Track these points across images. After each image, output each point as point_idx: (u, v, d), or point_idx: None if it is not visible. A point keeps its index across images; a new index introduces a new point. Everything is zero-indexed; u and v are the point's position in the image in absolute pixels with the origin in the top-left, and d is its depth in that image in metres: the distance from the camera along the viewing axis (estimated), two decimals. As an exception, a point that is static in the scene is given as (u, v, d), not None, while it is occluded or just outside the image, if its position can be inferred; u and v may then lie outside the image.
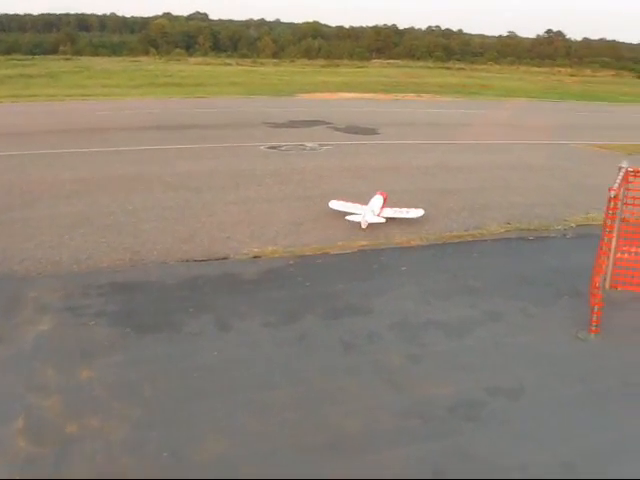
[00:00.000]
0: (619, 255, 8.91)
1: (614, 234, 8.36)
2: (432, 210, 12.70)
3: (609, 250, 8.43)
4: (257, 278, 9.18)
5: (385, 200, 12.57)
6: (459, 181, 15.35)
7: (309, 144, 20.17)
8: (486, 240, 11.12)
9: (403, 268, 9.67)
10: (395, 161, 17.76)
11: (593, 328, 7.79)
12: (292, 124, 25.01)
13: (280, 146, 19.70)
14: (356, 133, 23.19)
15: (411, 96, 42.55)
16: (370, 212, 12.03)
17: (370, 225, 11.49)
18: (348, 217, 11.94)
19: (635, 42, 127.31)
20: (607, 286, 8.95)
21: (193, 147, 19.20)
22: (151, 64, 75.20)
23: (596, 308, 7.79)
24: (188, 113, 28.28)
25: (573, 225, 12.18)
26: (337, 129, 24.05)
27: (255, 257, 10.00)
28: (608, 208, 7.85)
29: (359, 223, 11.66)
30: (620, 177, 8.49)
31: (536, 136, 24.22)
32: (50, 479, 5.12)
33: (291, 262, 9.79)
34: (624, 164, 8.85)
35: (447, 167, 17.10)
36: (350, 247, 10.44)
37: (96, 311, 7.95)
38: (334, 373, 6.65)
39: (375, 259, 10.00)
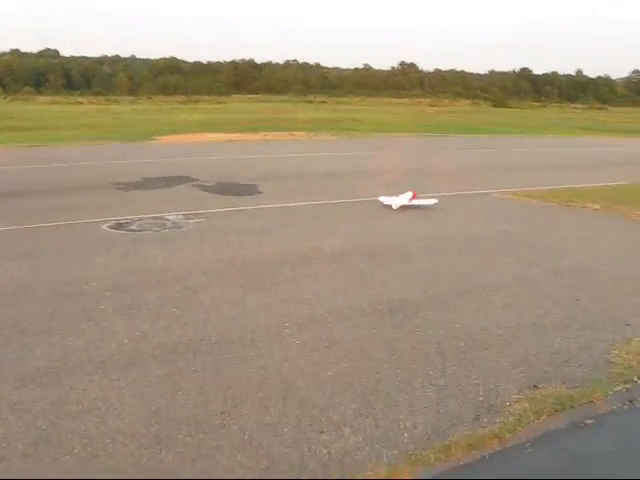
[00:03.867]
0: None
1: None
2: (389, 359, 7.07)
3: None
4: None
5: (414, 196, 16.01)
6: (401, 282, 9.82)
7: (171, 216, 14.12)
8: (526, 445, 5.55)
9: None
10: (294, 243, 12.03)
11: None
12: (148, 183, 18.64)
13: (130, 223, 13.54)
14: (231, 193, 17.27)
15: (283, 135, 37.13)
16: (404, 198, 15.82)
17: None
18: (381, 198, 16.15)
19: (482, 72, 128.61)
20: None
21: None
22: (-8, 104, 66.24)
23: None
24: (12, 171, 21.36)
25: (635, 378, 6.86)
26: (206, 188, 17.98)
27: None
28: None
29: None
30: None
31: (449, 185, 19.30)
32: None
33: None
34: None
35: (370, 250, 11.62)
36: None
37: None
38: None
39: None
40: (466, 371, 6.84)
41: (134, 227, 13.22)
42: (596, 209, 16.45)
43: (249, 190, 17.77)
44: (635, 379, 6.83)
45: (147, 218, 13.99)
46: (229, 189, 17.83)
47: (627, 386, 6.69)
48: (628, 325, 8.29)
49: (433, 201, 16.01)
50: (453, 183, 19.68)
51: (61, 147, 29.29)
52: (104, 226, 13.18)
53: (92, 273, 9.97)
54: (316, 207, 15.63)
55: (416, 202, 15.85)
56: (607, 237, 13.48)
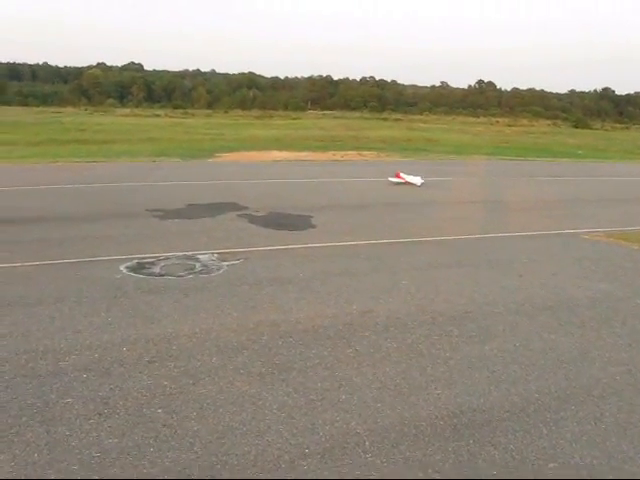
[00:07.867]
0: None
1: None
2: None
3: None
4: None
5: (397, 175, 21.39)
6: (474, 376, 7.17)
7: (203, 256, 11.81)
8: None
9: None
10: (341, 304, 9.42)
11: None
12: (190, 211, 16.29)
13: (154, 263, 11.28)
14: (280, 227, 14.80)
15: (352, 155, 34.64)
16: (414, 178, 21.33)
17: None
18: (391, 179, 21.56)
19: (562, 92, 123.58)
20: None
21: None
22: (71, 116, 66.05)
23: None
24: (45, 191, 19.46)
25: None
26: (253, 219, 15.55)
27: None
28: None
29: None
30: None
31: (529, 221, 16.48)
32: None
33: None
34: None
35: (435, 318, 8.97)
36: None
37: None
38: None
39: None
40: None
41: (156, 270, 10.95)
42: None
43: (301, 223, 15.32)
44: None
45: (176, 257, 11.74)
46: (279, 221, 15.41)
47: None
48: None
49: (419, 179, 21.06)
50: (533, 219, 16.84)
51: (117, 163, 27.60)
52: (122, 267, 10.96)
53: (76, 341, 7.69)
54: (375, 248, 13.07)
55: (405, 178, 20.94)
56: None
